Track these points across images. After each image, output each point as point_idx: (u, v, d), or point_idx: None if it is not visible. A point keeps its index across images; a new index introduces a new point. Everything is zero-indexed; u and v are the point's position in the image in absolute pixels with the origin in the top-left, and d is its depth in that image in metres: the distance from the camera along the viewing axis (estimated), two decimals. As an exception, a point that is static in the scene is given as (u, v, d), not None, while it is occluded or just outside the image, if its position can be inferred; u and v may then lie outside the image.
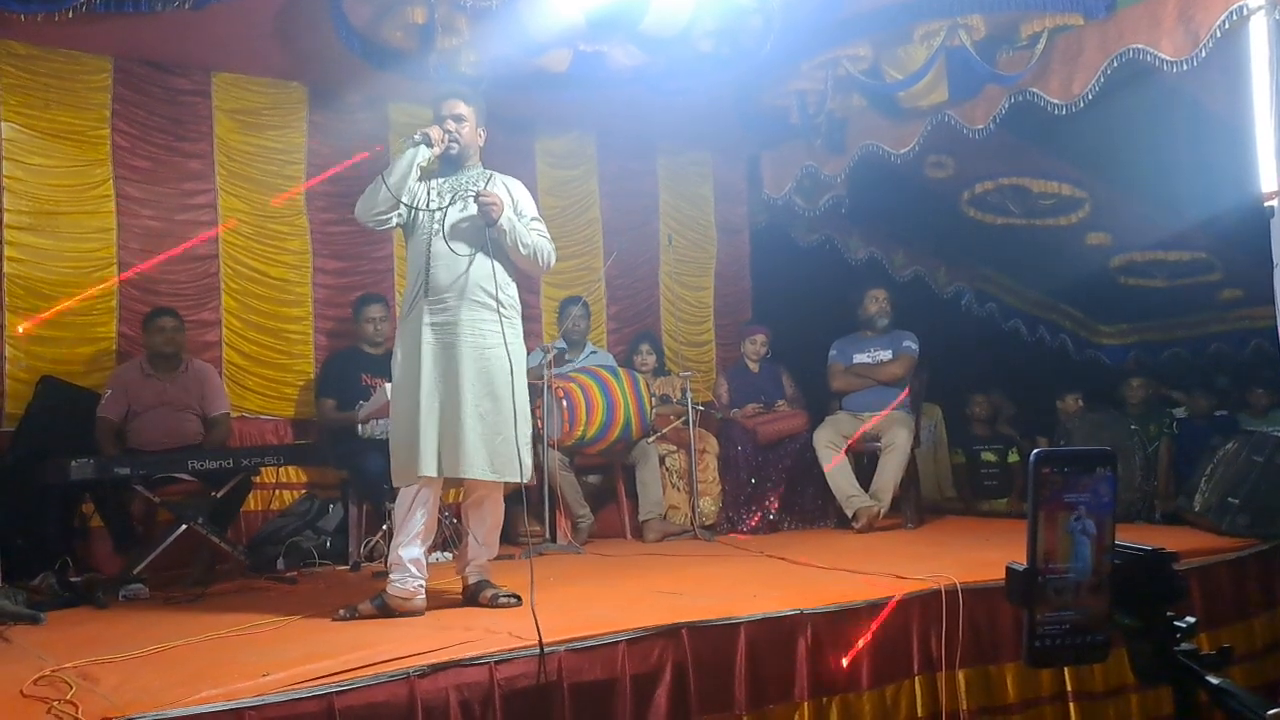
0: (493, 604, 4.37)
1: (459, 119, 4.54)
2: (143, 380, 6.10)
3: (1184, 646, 1.41)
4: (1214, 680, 1.35)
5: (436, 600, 4.46)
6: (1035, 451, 1.30)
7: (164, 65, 6.78)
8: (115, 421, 6.02)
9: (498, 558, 5.17)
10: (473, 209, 4.42)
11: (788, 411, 7.58)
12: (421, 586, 4.32)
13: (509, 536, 5.91)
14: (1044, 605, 1.36)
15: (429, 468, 4.25)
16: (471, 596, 4.50)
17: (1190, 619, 1.40)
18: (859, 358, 7.46)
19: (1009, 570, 1.40)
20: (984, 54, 6.42)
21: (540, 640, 3.51)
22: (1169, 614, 1.40)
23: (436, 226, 4.43)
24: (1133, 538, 1.49)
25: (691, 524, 7.03)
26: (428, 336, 4.33)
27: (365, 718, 3.16)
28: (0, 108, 6.27)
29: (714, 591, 4.60)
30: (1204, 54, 5.52)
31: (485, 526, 4.56)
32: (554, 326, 7.74)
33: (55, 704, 2.96)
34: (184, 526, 5.57)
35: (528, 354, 4.78)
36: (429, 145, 4.43)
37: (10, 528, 5.53)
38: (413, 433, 4.27)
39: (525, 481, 4.48)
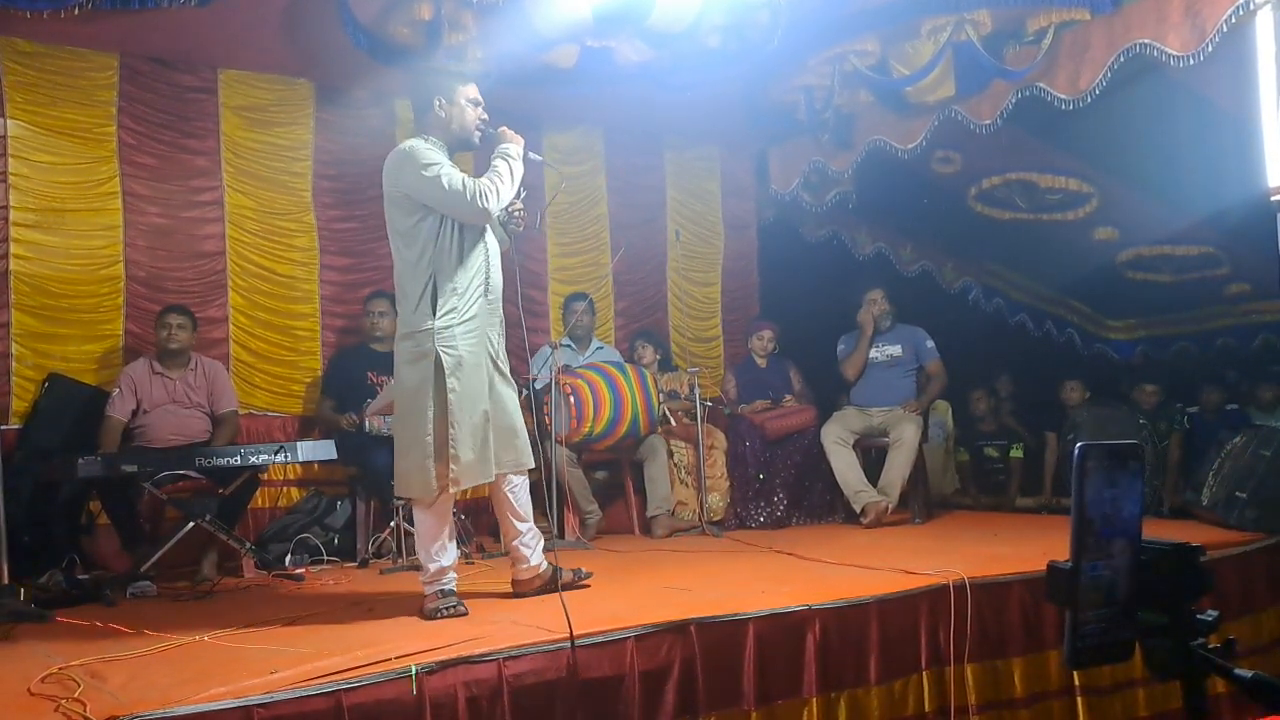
0: (576, 584, 4.58)
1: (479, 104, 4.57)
2: (152, 377, 6.10)
3: (1199, 641, 1.40)
4: (1246, 674, 1.34)
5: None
6: (1080, 446, 1.29)
7: (170, 62, 6.77)
8: (122, 421, 6.01)
9: (503, 554, 5.20)
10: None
11: (795, 407, 7.58)
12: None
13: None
14: (1086, 604, 1.35)
15: (492, 471, 4.35)
16: (551, 582, 4.55)
17: (1213, 613, 1.39)
18: (869, 354, 7.46)
19: (1051, 568, 1.38)
20: (991, 49, 6.42)
21: (571, 632, 3.56)
22: (1192, 609, 1.39)
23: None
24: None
25: (700, 519, 7.03)
26: (493, 337, 4.40)
27: (373, 715, 3.16)
28: (6, 105, 6.27)
29: (722, 587, 4.61)
30: (1210, 49, 5.50)
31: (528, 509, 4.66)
32: (560, 323, 7.72)
33: (63, 702, 2.97)
34: (192, 524, 5.58)
35: (534, 352, 4.81)
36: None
37: (18, 525, 5.53)
38: (484, 438, 4.28)
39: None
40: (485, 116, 4.49)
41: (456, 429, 4.20)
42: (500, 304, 4.49)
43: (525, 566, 4.58)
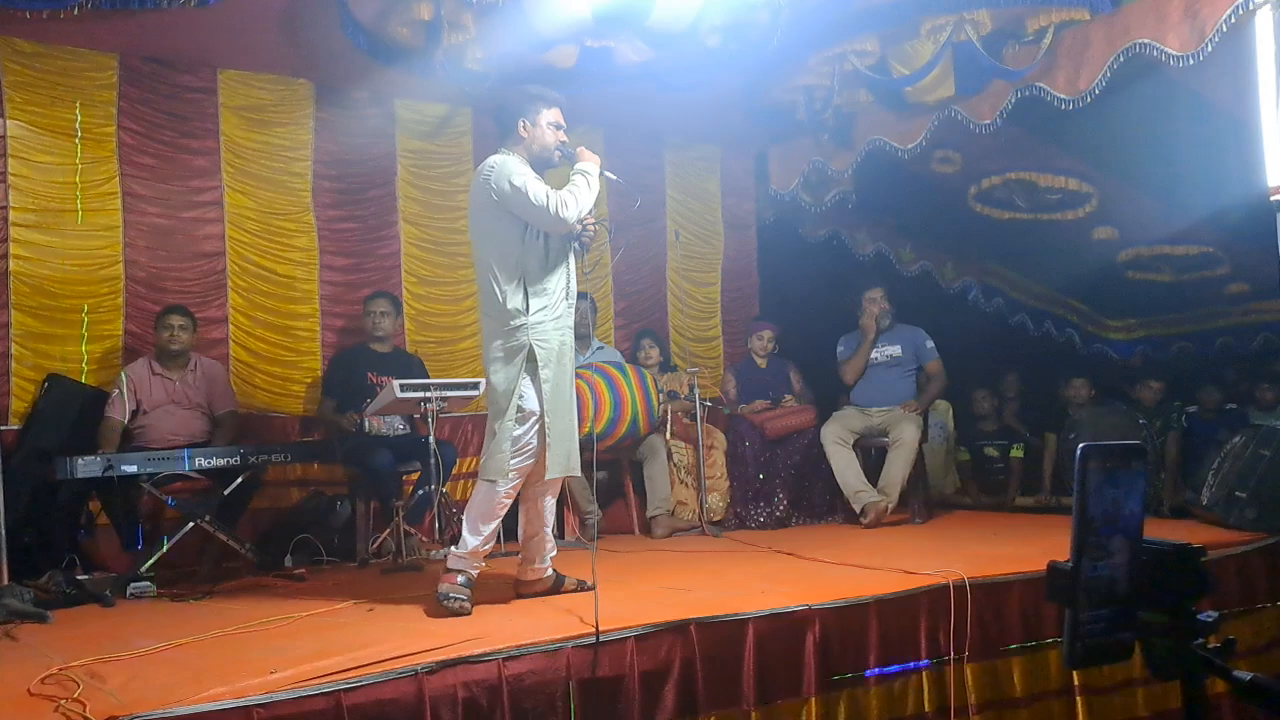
0: (580, 591, 4.63)
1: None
2: (151, 378, 6.11)
3: (1199, 641, 1.40)
4: (1245, 675, 1.34)
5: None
6: (1082, 446, 1.28)
7: (170, 62, 6.76)
8: (122, 421, 6.01)
9: (505, 554, 5.21)
10: None
11: (795, 407, 7.57)
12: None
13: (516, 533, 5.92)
14: (1086, 604, 1.34)
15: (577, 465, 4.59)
16: (555, 587, 4.68)
17: (1213, 614, 1.39)
18: (869, 355, 7.46)
19: (1053, 568, 1.38)
20: (990, 49, 6.41)
21: (597, 628, 3.63)
22: (1192, 609, 1.39)
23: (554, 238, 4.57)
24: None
25: (700, 520, 7.03)
26: (569, 340, 4.56)
27: (373, 715, 3.16)
28: (6, 105, 6.25)
29: (722, 587, 4.62)
30: (1210, 48, 5.51)
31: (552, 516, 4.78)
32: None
33: (63, 702, 2.97)
34: (191, 524, 5.57)
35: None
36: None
37: (18, 525, 5.53)
38: (567, 433, 4.48)
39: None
40: (565, 139, 4.69)
41: (551, 418, 4.40)
42: (574, 309, 4.66)
43: (533, 567, 4.66)
